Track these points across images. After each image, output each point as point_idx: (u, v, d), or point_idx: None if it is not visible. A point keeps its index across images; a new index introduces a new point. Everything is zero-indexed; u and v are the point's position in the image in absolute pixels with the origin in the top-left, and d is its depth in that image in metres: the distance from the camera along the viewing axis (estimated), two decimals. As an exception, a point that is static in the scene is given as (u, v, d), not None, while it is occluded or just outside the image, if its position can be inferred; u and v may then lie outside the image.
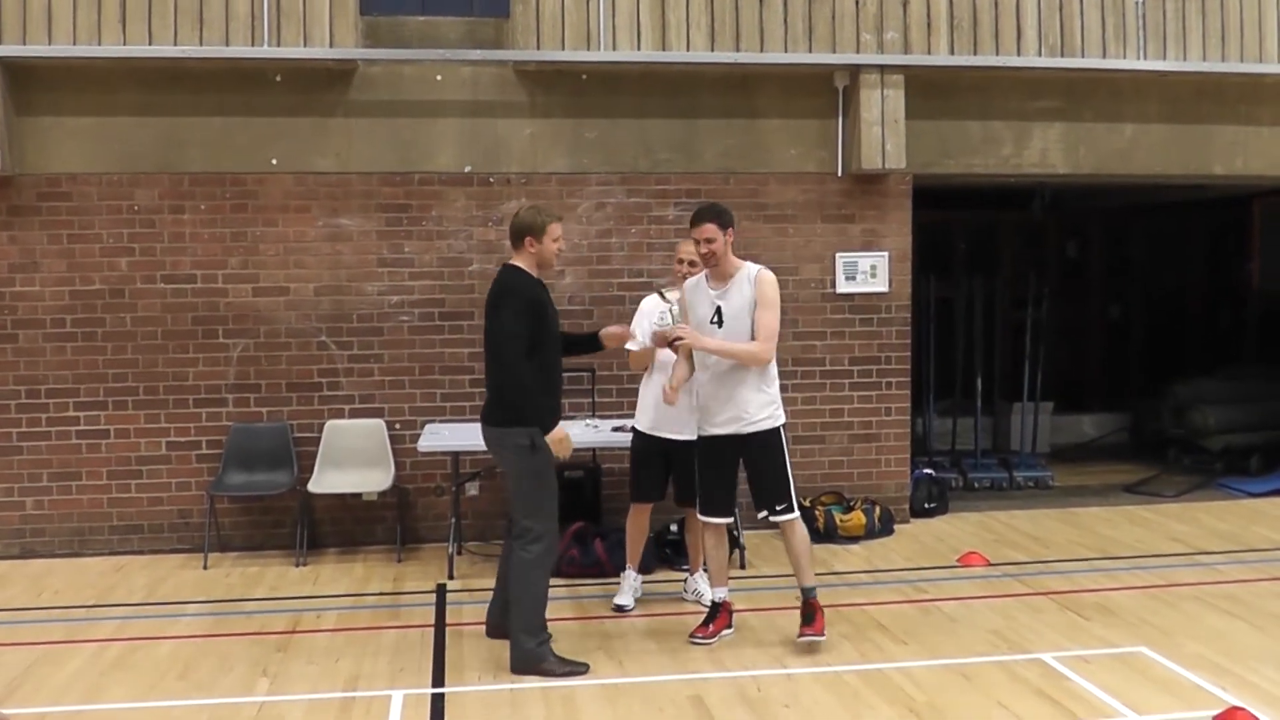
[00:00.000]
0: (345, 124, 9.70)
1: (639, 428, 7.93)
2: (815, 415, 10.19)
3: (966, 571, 8.88)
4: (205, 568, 9.19)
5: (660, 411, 7.67)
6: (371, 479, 9.48)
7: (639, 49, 9.67)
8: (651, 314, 7.92)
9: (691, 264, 7.55)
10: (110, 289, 9.59)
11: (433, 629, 7.63)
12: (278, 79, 9.58)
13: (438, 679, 6.72)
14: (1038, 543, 9.71)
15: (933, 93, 10.12)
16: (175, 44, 9.31)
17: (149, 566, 9.30)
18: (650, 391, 7.79)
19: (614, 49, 9.64)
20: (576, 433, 8.10)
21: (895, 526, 10.05)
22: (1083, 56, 10.19)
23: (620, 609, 7.97)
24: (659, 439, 7.80)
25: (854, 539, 9.69)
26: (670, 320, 7.47)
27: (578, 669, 6.73)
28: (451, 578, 8.78)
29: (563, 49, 9.60)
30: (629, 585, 8.08)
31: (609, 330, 7.45)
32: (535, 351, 6.71)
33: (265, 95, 9.60)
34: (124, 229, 9.59)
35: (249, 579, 8.95)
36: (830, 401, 10.21)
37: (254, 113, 9.63)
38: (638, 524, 8.06)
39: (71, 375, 9.58)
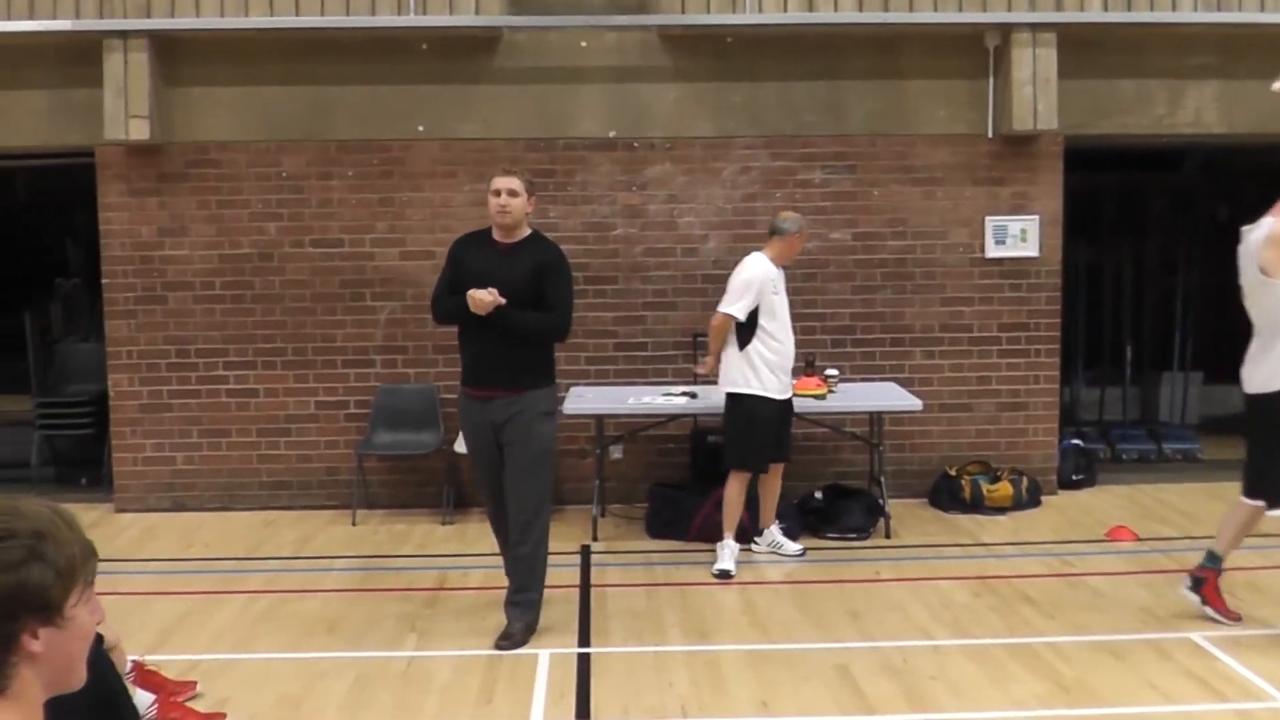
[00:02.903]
0: (491, 90, 9.75)
1: (766, 394, 8.02)
2: (962, 383, 10.01)
3: (1114, 546, 8.66)
4: (353, 524, 9.37)
5: (778, 376, 8.03)
6: (515, 441, 9.55)
7: (785, 11, 9.56)
8: (765, 283, 7.96)
9: None
10: (259, 253, 9.79)
11: (578, 589, 7.70)
12: (424, 47, 9.67)
13: (583, 639, 6.80)
14: (1187, 518, 9.42)
15: (1085, 51, 9.81)
16: (322, 14, 9.45)
17: (298, 522, 9.51)
18: (762, 357, 8.00)
19: (760, 11, 9.54)
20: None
21: (1042, 498, 9.83)
22: (1239, 11, 9.82)
23: (726, 575, 7.96)
24: (778, 402, 8.09)
25: (1000, 510, 9.50)
26: (778, 290, 7.97)
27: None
28: (596, 539, 8.86)
29: (708, 12, 9.53)
30: (730, 552, 8.09)
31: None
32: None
33: (411, 63, 9.69)
34: (272, 195, 9.78)
35: (396, 536, 9.10)
36: (978, 369, 10.01)
37: (400, 81, 9.73)
38: (743, 493, 8.16)
39: (221, 336, 9.81)
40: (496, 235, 6.80)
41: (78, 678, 2.06)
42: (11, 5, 9.39)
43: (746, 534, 8.39)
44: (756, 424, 8.04)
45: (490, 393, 6.64)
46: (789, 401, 8.25)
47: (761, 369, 7.98)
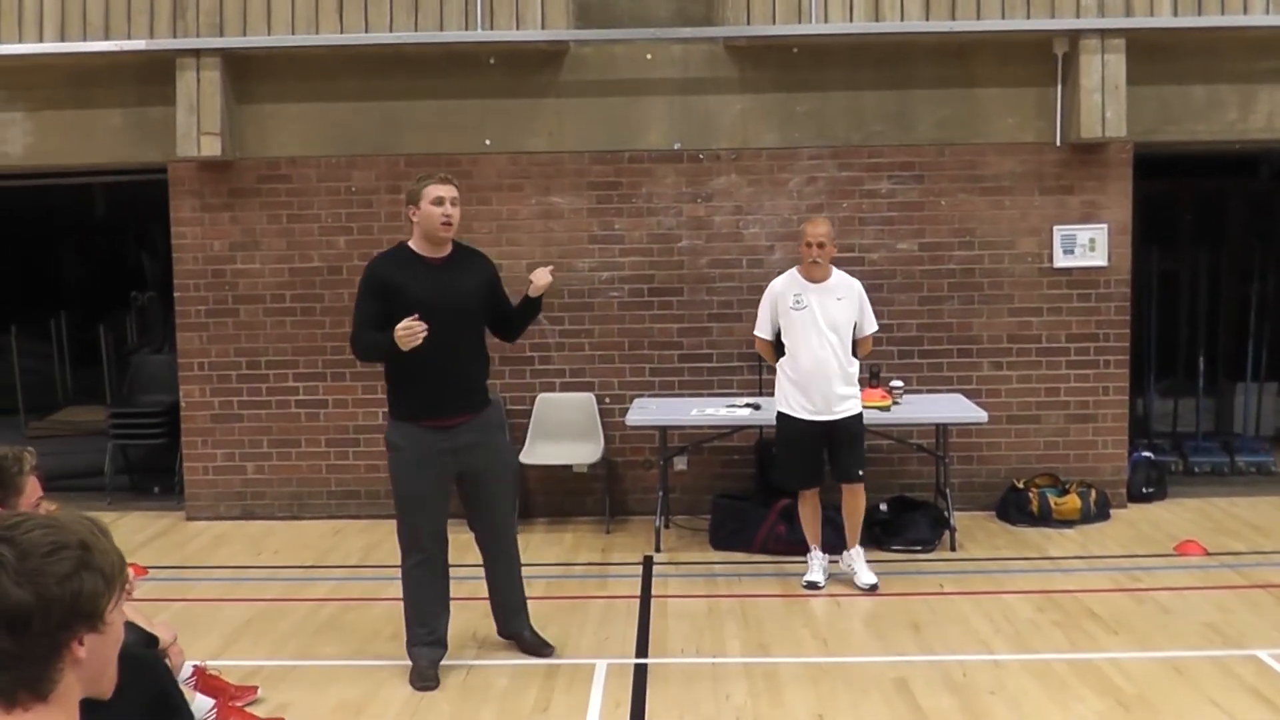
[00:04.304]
0: (557, 104, 9.82)
1: (792, 414, 7.83)
2: (1030, 394, 9.89)
3: (1182, 561, 8.51)
4: (420, 535, 9.44)
5: (804, 394, 7.74)
6: (581, 451, 9.61)
7: (851, 20, 9.52)
8: (785, 296, 7.80)
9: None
10: (329, 266, 9.91)
11: (638, 600, 7.71)
12: (491, 61, 9.75)
13: (641, 650, 6.81)
14: (1258, 532, 9.25)
15: (1155, 56, 9.66)
16: (391, 31, 9.56)
17: (365, 531, 9.60)
18: (786, 374, 7.83)
19: (825, 21, 9.50)
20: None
21: (1111, 511, 9.69)
22: (1314, 13, 9.63)
23: (813, 586, 7.89)
24: (808, 421, 7.78)
25: (1068, 523, 9.37)
26: (804, 304, 7.64)
27: (426, 684, 6.27)
28: (658, 550, 8.85)
29: (773, 23, 9.52)
30: (817, 564, 7.99)
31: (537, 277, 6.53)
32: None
33: (479, 78, 9.77)
34: (341, 209, 9.90)
35: (461, 545, 8.93)
36: (1046, 380, 9.89)
37: (468, 95, 9.81)
38: (811, 507, 8.02)
39: (291, 348, 9.95)
40: (423, 250, 6.26)
41: (109, 681, 2.13)
42: (88, 26, 9.60)
43: (834, 546, 8.16)
44: (783, 443, 7.98)
45: (452, 421, 6.25)
46: (836, 423, 7.77)
47: (786, 386, 7.86)
